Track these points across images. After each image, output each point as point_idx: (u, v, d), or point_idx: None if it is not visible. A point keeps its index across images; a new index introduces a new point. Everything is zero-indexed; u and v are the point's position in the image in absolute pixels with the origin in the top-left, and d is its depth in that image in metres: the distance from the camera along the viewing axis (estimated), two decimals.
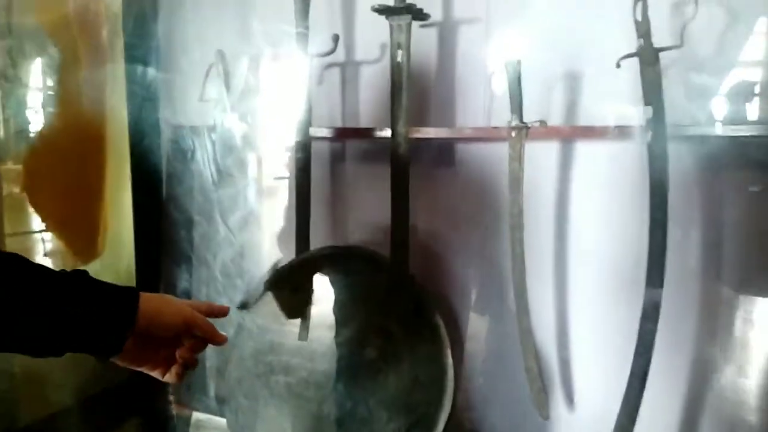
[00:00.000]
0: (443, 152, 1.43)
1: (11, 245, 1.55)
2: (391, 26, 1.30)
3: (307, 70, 1.40)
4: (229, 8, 1.56)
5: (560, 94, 1.29)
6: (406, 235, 1.34)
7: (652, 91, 1.13)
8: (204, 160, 1.56)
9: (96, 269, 1.70)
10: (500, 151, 1.27)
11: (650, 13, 1.10)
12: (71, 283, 0.70)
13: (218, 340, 0.81)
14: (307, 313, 1.42)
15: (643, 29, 1.11)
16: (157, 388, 1.69)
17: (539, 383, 1.27)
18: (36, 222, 1.59)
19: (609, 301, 1.30)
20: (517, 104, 1.21)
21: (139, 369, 0.79)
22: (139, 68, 1.60)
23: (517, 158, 1.23)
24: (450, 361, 1.29)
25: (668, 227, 1.13)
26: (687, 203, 1.19)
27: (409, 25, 1.30)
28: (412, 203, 1.34)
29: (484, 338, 1.43)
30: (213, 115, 1.52)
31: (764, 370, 1.19)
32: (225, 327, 0.83)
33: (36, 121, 1.56)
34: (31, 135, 1.55)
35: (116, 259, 1.76)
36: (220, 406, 1.49)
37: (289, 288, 1.42)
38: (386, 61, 1.34)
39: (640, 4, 1.10)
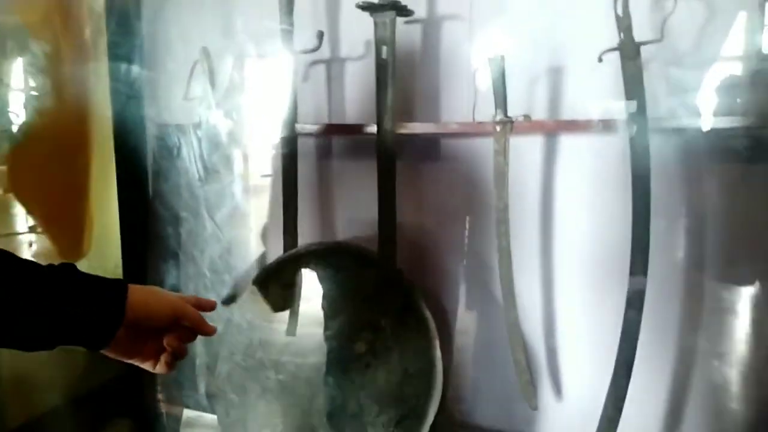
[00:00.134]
0: (429, 147, 1.44)
1: None
2: (375, 23, 1.31)
3: (292, 66, 1.40)
4: (213, 6, 1.55)
5: (544, 88, 1.30)
6: (393, 230, 1.35)
7: (633, 85, 1.14)
8: (190, 158, 1.56)
9: (83, 268, 1.69)
10: (486, 145, 1.29)
11: (631, 8, 1.12)
12: (59, 277, 0.70)
13: (207, 330, 0.82)
14: (296, 308, 1.43)
15: (624, 24, 1.13)
16: (145, 386, 1.69)
17: (527, 374, 1.29)
18: (21, 222, 1.58)
19: (595, 293, 1.31)
20: (501, 99, 1.22)
21: (130, 361, 0.79)
22: (123, 66, 1.59)
23: (501, 152, 1.24)
24: (439, 353, 1.30)
25: (651, 218, 1.15)
26: (669, 195, 1.21)
27: (394, 21, 1.30)
28: (398, 198, 1.34)
29: (472, 331, 1.44)
30: (198, 113, 1.52)
31: (747, 357, 1.22)
32: (214, 322, 0.83)
33: (19, 120, 1.55)
34: (14, 135, 1.54)
35: (103, 257, 1.75)
36: (211, 403, 1.49)
37: (278, 284, 1.42)
38: (371, 58, 1.35)
39: (620, 0, 1.12)
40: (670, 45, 1.14)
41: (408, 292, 1.34)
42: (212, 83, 1.50)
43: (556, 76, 1.29)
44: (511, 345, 1.29)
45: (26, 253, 1.59)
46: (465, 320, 1.44)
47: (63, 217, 1.66)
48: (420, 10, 1.37)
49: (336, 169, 1.54)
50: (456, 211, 1.43)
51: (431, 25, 1.39)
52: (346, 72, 1.49)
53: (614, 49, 1.15)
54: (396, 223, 1.35)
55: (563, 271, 1.36)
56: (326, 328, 1.42)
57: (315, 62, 1.49)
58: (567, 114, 1.29)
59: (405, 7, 1.31)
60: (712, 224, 1.22)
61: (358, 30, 1.42)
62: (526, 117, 1.23)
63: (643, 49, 1.13)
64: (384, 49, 1.31)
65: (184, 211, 1.60)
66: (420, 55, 1.40)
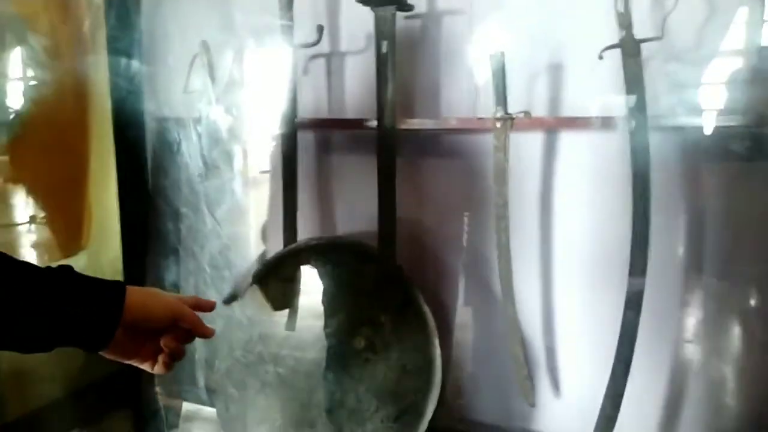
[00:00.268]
0: (429, 143, 1.43)
1: None
2: (376, 17, 1.30)
3: (291, 61, 1.40)
4: (212, 0, 1.55)
5: (544, 85, 1.30)
6: (393, 226, 1.35)
7: (633, 82, 1.14)
8: (190, 153, 1.55)
9: (82, 261, 1.70)
10: (486, 141, 1.28)
11: (632, 5, 1.12)
12: (57, 279, 0.70)
13: (205, 332, 0.82)
14: (295, 303, 1.43)
15: (625, 21, 1.12)
16: (144, 380, 1.70)
17: (525, 371, 1.29)
18: (19, 214, 1.58)
19: (594, 289, 1.32)
20: (501, 96, 1.22)
21: (128, 362, 0.79)
22: (122, 60, 1.59)
23: (501, 149, 1.24)
24: (438, 350, 1.30)
25: (651, 216, 1.15)
26: (669, 193, 1.21)
27: (394, 16, 1.30)
28: (398, 194, 1.34)
29: (471, 327, 1.44)
30: (198, 108, 1.51)
31: (746, 356, 1.22)
32: (214, 319, 0.84)
33: (17, 112, 1.54)
34: (13, 126, 1.53)
35: (102, 251, 1.75)
36: (210, 397, 1.50)
37: (277, 279, 1.42)
38: (371, 52, 1.34)
39: None
40: (671, 42, 1.14)
41: (407, 288, 1.34)
42: (212, 78, 1.49)
43: (556, 72, 1.28)
44: (509, 341, 1.30)
45: (25, 244, 1.59)
46: (464, 316, 1.44)
47: (62, 210, 1.66)
48: (420, 5, 1.36)
49: (336, 164, 1.54)
50: (456, 206, 1.43)
51: (432, 20, 1.38)
52: (346, 66, 1.48)
53: (615, 46, 1.14)
54: (396, 218, 1.35)
55: (562, 267, 1.36)
56: (325, 323, 1.42)
57: (315, 56, 1.49)
58: (567, 111, 1.29)
59: (405, 1, 1.30)
60: (711, 223, 1.22)
61: (358, 24, 1.41)
62: (527, 114, 1.23)
63: (643, 46, 1.13)
64: (384, 43, 1.30)
65: (184, 207, 1.59)
66: (420, 50, 1.40)
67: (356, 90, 1.47)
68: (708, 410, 1.27)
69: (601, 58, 1.16)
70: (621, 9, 1.12)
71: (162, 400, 1.65)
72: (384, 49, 1.30)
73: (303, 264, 1.43)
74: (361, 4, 1.29)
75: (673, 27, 1.11)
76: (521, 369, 1.29)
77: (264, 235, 1.58)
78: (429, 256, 1.45)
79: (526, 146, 1.32)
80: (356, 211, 1.50)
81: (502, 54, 1.19)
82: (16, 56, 1.52)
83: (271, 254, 1.49)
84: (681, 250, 1.24)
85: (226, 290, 1.53)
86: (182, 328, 0.80)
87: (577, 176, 1.30)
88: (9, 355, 1.45)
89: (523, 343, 1.31)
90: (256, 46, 1.48)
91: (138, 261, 1.69)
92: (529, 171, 1.34)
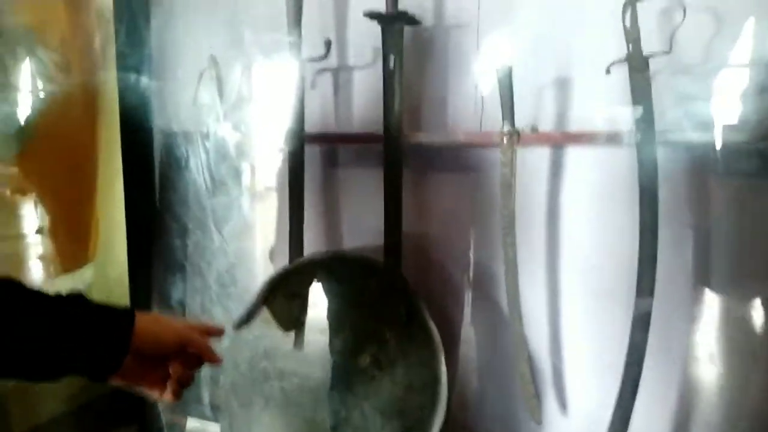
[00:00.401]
0: (436, 157, 1.43)
1: (1, 249, 1.54)
2: (383, 32, 1.31)
3: (299, 76, 1.40)
4: (222, 16, 1.56)
5: (551, 99, 1.29)
6: (398, 240, 1.34)
7: (641, 97, 1.14)
8: (198, 169, 1.56)
9: (88, 274, 1.70)
10: (492, 155, 1.28)
11: (639, 20, 1.11)
12: (67, 307, 0.70)
13: (213, 360, 0.81)
14: (302, 319, 1.42)
15: (633, 36, 1.12)
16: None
17: (532, 388, 1.28)
18: (27, 225, 1.59)
19: (601, 305, 1.30)
20: (508, 110, 1.22)
21: (137, 389, 0.79)
22: (131, 74, 1.60)
23: (508, 163, 1.23)
24: (443, 367, 1.29)
25: (659, 232, 1.14)
26: (677, 208, 1.19)
27: (402, 31, 1.31)
28: (404, 208, 1.34)
29: (477, 343, 1.43)
30: (207, 123, 1.52)
31: (755, 373, 1.20)
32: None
33: (26, 125, 1.56)
34: (23, 138, 1.55)
35: (108, 263, 1.75)
36: (215, 413, 1.49)
37: (283, 294, 1.41)
38: (378, 66, 1.35)
39: (629, 11, 1.11)
40: (679, 57, 1.13)
41: (413, 303, 1.33)
42: (220, 93, 1.50)
43: (563, 86, 1.28)
44: (515, 357, 1.28)
45: (33, 256, 1.59)
46: (470, 331, 1.43)
47: (70, 222, 1.67)
48: (428, 19, 1.36)
49: (342, 178, 1.54)
50: (462, 221, 1.42)
51: (439, 34, 1.38)
52: (353, 80, 1.48)
53: (622, 61, 1.14)
54: (402, 232, 1.34)
55: (569, 282, 1.34)
56: (331, 339, 1.41)
57: (322, 70, 1.49)
58: (574, 125, 1.28)
59: (413, 17, 1.31)
60: (720, 239, 1.20)
61: (365, 38, 1.42)
62: (534, 128, 1.22)
63: (651, 60, 1.12)
64: (392, 58, 1.30)
65: (191, 223, 1.60)
66: (428, 64, 1.40)
67: (363, 103, 1.47)
68: (718, 429, 1.25)
69: (608, 72, 1.15)
70: (628, 24, 1.12)
71: (166, 417, 1.64)
72: (391, 63, 1.31)
73: (308, 279, 1.42)
74: (368, 19, 1.29)
75: (681, 41, 1.10)
76: (528, 386, 1.27)
77: (271, 253, 1.57)
78: (435, 271, 1.45)
79: (533, 160, 1.31)
80: (362, 225, 1.50)
81: (510, 68, 1.19)
82: (26, 69, 1.54)
83: (277, 270, 1.48)
84: (689, 266, 1.22)
85: (233, 307, 1.53)
86: (191, 355, 0.79)
87: (585, 191, 1.29)
88: None
89: (530, 360, 1.30)
90: (264, 61, 1.49)
91: (144, 274, 1.69)
92: (536, 185, 1.33)
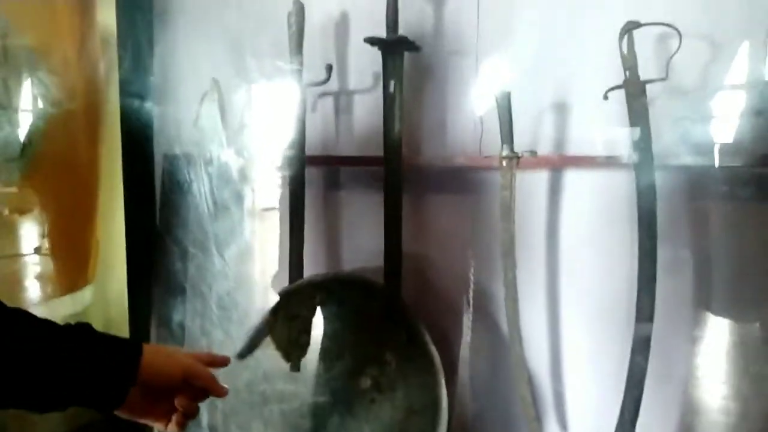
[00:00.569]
0: (435, 180, 1.44)
1: (0, 269, 1.54)
2: (383, 58, 1.32)
3: (301, 100, 1.42)
4: (224, 42, 1.58)
5: (550, 123, 1.31)
6: (398, 263, 1.35)
7: (639, 122, 1.15)
8: (200, 194, 1.56)
9: (87, 295, 1.70)
10: (492, 179, 1.29)
11: (636, 47, 1.13)
12: (74, 338, 0.70)
13: (218, 392, 0.81)
14: (302, 342, 1.42)
15: (630, 62, 1.14)
16: None
17: (533, 411, 1.27)
18: (28, 246, 1.59)
19: (601, 327, 1.31)
20: (507, 134, 1.23)
21: (141, 420, 0.78)
22: (134, 98, 1.62)
23: (508, 187, 1.24)
24: (444, 390, 1.28)
25: (658, 256, 1.15)
26: (676, 232, 1.21)
27: (401, 56, 1.32)
28: (404, 230, 1.35)
29: (477, 365, 1.43)
30: (210, 148, 1.53)
31: (755, 398, 1.20)
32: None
33: (29, 145, 1.56)
34: (24, 160, 1.55)
35: (107, 285, 1.75)
36: None
37: (283, 316, 1.41)
38: (379, 90, 1.37)
39: (626, 38, 1.13)
40: (676, 82, 1.15)
41: (413, 325, 1.33)
42: (223, 117, 1.52)
43: (561, 111, 1.30)
44: (516, 380, 1.28)
45: (33, 276, 1.59)
46: (470, 354, 1.43)
47: (70, 243, 1.67)
48: (428, 45, 1.38)
49: (343, 200, 1.55)
50: (462, 243, 1.42)
51: (438, 60, 1.40)
52: (354, 104, 1.50)
53: (619, 87, 1.16)
54: (402, 254, 1.35)
55: (569, 304, 1.35)
56: (331, 361, 1.41)
57: (323, 94, 1.51)
58: (573, 149, 1.30)
59: (413, 43, 1.33)
60: (719, 262, 1.21)
61: (366, 63, 1.44)
62: (532, 153, 1.24)
63: (648, 86, 1.14)
64: (392, 83, 1.32)
65: (192, 246, 1.60)
66: (427, 88, 1.42)
67: (364, 127, 1.48)
68: None
69: (606, 98, 1.17)
70: (625, 51, 1.14)
71: None
72: (391, 88, 1.32)
73: (308, 300, 1.42)
74: (369, 45, 1.31)
75: (677, 67, 1.12)
76: (529, 408, 1.27)
77: (273, 278, 1.56)
78: (435, 293, 1.45)
79: (533, 184, 1.33)
80: (362, 247, 1.50)
81: (508, 94, 1.21)
82: (29, 91, 1.55)
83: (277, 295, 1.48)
84: (689, 288, 1.23)
85: (234, 331, 1.52)
86: (196, 387, 0.79)
87: (584, 214, 1.31)
88: None
89: (531, 383, 1.30)
90: (266, 86, 1.50)
91: (143, 296, 1.69)
92: (535, 208, 1.34)
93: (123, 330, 1.69)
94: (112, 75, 1.66)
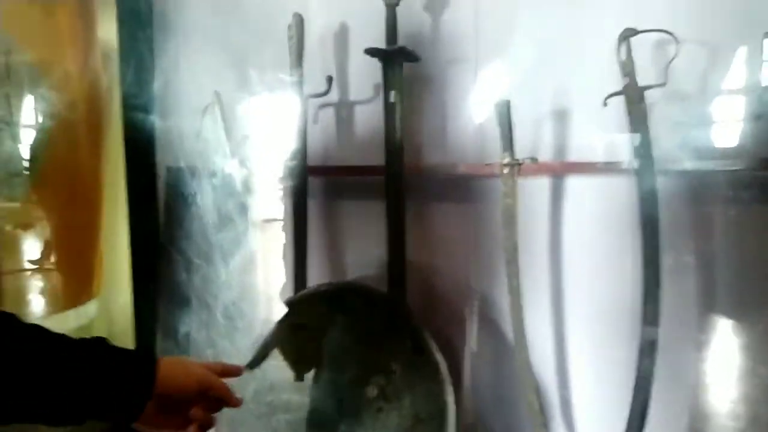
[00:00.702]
0: (437, 188, 1.45)
1: (5, 284, 1.54)
2: (383, 68, 1.34)
3: (302, 112, 1.43)
4: (226, 56, 1.59)
5: (550, 130, 1.32)
6: (402, 271, 1.35)
7: (638, 128, 1.16)
8: (205, 205, 1.57)
9: (92, 309, 1.70)
10: (494, 186, 1.30)
11: (634, 53, 1.14)
12: (90, 352, 0.71)
13: (233, 403, 0.83)
14: (307, 351, 1.42)
15: (628, 69, 1.15)
16: None
17: (540, 417, 1.27)
18: (32, 261, 1.59)
19: (607, 333, 1.31)
20: (508, 142, 1.24)
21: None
22: (137, 113, 1.63)
23: (510, 194, 1.25)
24: (450, 398, 1.28)
25: (662, 260, 1.15)
26: (679, 236, 1.21)
27: (401, 66, 1.33)
28: (408, 239, 1.35)
29: (483, 373, 1.43)
30: (213, 160, 1.54)
31: (763, 400, 1.20)
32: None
33: (32, 161, 1.57)
34: (27, 175, 1.56)
35: (113, 299, 1.76)
36: None
37: (288, 326, 1.42)
38: (379, 100, 1.38)
39: (624, 45, 1.14)
40: (675, 87, 1.16)
41: (418, 334, 1.33)
42: (226, 129, 1.53)
43: (562, 118, 1.31)
44: (522, 386, 1.28)
45: (37, 291, 1.59)
46: (476, 362, 1.43)
47: (74, 258, 1.67)
48: (427, 55, 1.39)
49: (345, 210, 1.55)
50: (465, 251, 1.43)
51: (438, 69, 1.41)
52: (354, 114, 1.51)
53: (618, 93, 1.17)
54: (405, 263, 1.35)
55: (574, 310, 1.35)
56: (337, 371, 1.41)
57: (324, 105, 1.52)
58: (574, 156, 1.30)
59: (412, 53, 1.34)
60: (723, 265, 1.21)
61: (366, 74, 1.45)
62: (533, 159, 1.24)
63: (647, 91, 1.15)
64: (392, 93, 1.33)
65: (197, 257, 1.60)
66: (427, 97, 1.43)
67: (365, 137, 1.49)
68: None
69: (605, 104, 1.18)
70: (624, 57, 1.15)
71: None
72: (392, 98, 1.33)
73: (313, 310, 1.43)
74: (369, 56, 1.32)
75: (676, 72, 1.13)
76: (536, 416, 1.27)
77: (278, 290, 1.57)
78: (439, 301, 1.45)
79: (534, 191, 1.33)
80: (366, 256, 1.51)
81: (508, 102, 1.22)
82: (32, 107, 1.56)
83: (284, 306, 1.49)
84: (693, 293, 1.23)
85: (240, 341, 1.53)
86: (211, 398, 0.80)
87: (586, 220, 1.31)
88: None
89: (537, 390, 1.30)
90: (267, 98, 1.51)
91: (148, 309, 1.69)
92: (537, 215, 1.35)
93: (128, 343, 1.69)
94: (114, 89, 1.67)
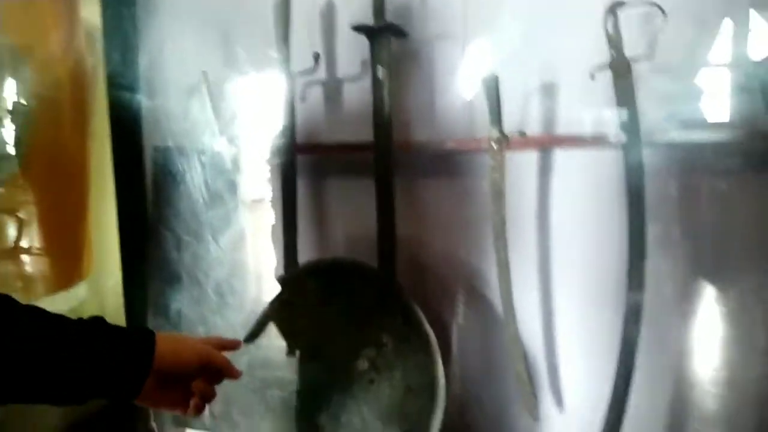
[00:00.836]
0: (426, 164, 1.46)
1: None
2: (371, 44, 1.33)
3: (289, 89, 1.42)
4: (212, 33, 1.58)
5: (538, 104, 1.32)
6: (393, 247, 1.36)
7: (625, 100, 1.17)
8: (194, 183, 1.57)
9: (82, 291, 1.70)
10: (483, 161, 1.31)
11: (621, 25, 1.15)
12: (88, 330, 0.71)
13: (233, 374, 0.84)
14: (299, 327, 1.44)
15: (615, 41, 1.16)
16: (142, 410, 1.68)
17: (528, 386, 1.30)
18: (17, 243, 1.58)
19: (594, 303, 1.33)
20: (496, 117, 1.25)
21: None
22: (122, 93, 1.61)
23: (498, 168, 1.26)
24: (441, 369, 1.30)
25: (647, 229, 1.17)
26: (664, 207, 1.23)
27: (389, 42, 1.33)
28: (397, 215, 1.36)
29: (473, 344, 1.45)
30: (201, 138, 1.54)
31: (748, 368, 1.23)
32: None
33: (17, 144, 1.56)
34: (12, 159, 1.55)
35: (102, 280, 1.75)
36: (213, 424, 1.49)
37: (280, 303, 1.43)
38: (367, 77, 1.37)
39: (611, 18, 1.15)
40: (662, 59, 1.17)
41: (408, 308, 1.35)
42: (213, 108, 1.52)
43: (549, 92, 1.31)
44: (511, 357, 1.31)
45: (25, 275, 1.59)
46: (465, 333, 1.45)
47: (62, 240, 1.67)
48: (414, 30, 1.39)
49: (335, 187, 1.56)
50: (455, 225, 1.45)
51: (426, 45, 1.41)
52: (342, 92, 1.51)
53: (606, 66, 1.18)
54: (395, 238, 1.36)
55: (562, 282, 1.37)
56: (328, 345, 1.43)
57: (312, 83, 1.51)
58: (562, 129, 1.31)
59: (400, 28, 1.34)
60: (707, 236, 1.24)
61: (354, 51, 1.45)
62: (522, 133, 1.25)
63: (634, 64, 1.16)
64: (380, 69, 1.33)
65: (187, 235, 1.60)
66: (415, 73, 1.43)
67: (353, 114, 1.49)
68: (711, 420, 1.28)
69: (593, 77, 1.19)
70: (611, 29, 1.15)
71: (167, 429, 1.64)
72: (380, 74, 1.33)
73: (304, 287, 1.44)
74: (356, 32, 1.32)
75: (663, 44, 1.14)
76: (525, 384, 1.30)
77: (269, 267, 1.58)
78: (429, 275, 1.47)
79: (522, 165, 1.34)
80: (356, 233, 1.52)
81: (496, 77, 1.22)
82: (13, 88, 1.54)
83: (275, 282, 1.50)
84: (679, 262, 1.26)
85: (233, 317, 1.54)
86: (211, 371, 0.81)
87: (574, 193, 1.33)
88: None
89: (526, 359, 1.33)
90: (254, 76, 1.51)
91: (139, 289, 1.69)
92: (525, 188, 1.36)
93: (120, 323, 1.69)
94: (99, 69, 1.66)
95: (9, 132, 1.53)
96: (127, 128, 1.66)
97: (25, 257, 1.59)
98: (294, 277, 1.43)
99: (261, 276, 1.60)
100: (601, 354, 1.28)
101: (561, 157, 1.34)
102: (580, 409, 1.38)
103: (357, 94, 1.48)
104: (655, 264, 1.20)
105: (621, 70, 1.16)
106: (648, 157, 1.17)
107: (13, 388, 0.67)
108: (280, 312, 1.42)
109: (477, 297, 1.44)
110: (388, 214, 1.36)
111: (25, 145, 1.56)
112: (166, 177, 1.63)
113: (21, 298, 0.69)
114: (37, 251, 1.60)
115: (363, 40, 1.34)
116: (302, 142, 1.48)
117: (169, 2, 1.65)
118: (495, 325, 1.40)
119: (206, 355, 0.80)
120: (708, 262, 1.25)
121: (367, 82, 1.37)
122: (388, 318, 1.37)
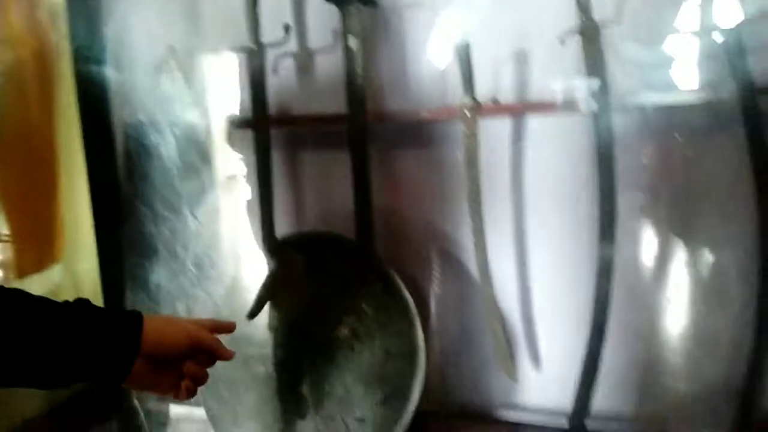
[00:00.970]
0: (400, 134, 1.46)
1: None
2: (341, 14, 1.33)
3: (260, 62, 1.41)
4: (179, 6, 1.55)
5: (510, 71, 1.34)
6: (369, 218, 1.38)
7: (595, 65, 1.19)
8: (167, 156, 1.55)
9: (57, 274, 1.68)
10: (456, 129, 1.32)
11: None
12: (74, 313, 0.70)
13: (225, 356, 0.81)
14: (278, 300, 1.45)
15: (584, 6, 1.17)
16: (127, 389, 1.68)
17: (505, 348, 1.34)
18: None
19: (568, 266, 1.37)
20: (468, 84, 1.26)
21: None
22: (88, 67, 1.58)
23: (471, 136, 1.27)
24: (420, 333, 1.33)
25: (619, 192, 1.20)
26: (635, 167, 1.26)
27: (359, 11, 1.33)
28: (373, 185, 1.37)
29: (451, 310, 1.48)
30: (172, 111, 1.52)
31: (718, 320, 1.28)
32: None
33: None
34: None
35: (77, 261, 1.73)
36: (198, 397, 1.50)
37: (271, 279, 1.44)
38: (339, 48, 1.37)
39: None
40: (630, 24, 1.18)
41: (387, 277, 1.37)
42: (183, 81, 1.50)
43: (520, 59, 1.33)
44: (487, 320, 1.34)
45: None
46: (444, 300, 1.48)
47: (33, 224, 1.64)
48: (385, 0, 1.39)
49: (310, 160, 1.56)
50: (430, 194, 1.46)
51: (396, 14, 1.41)
52: (315, 63, 1.50)
53: (575, 32, 1.19)
54: (372, 209, 1.38)
55: (536, 246, 1.40)
56: (309, 315, 1.44)
57: (283, 54, 1.50)
58: (534, 96, 1.33)
59: None
60: (677, 194, 1.28)
61: (324, 21, 1.44)
62: (495, 100, 1.27)
63: (603, 29, 1.17)
64: (351, 39, 1.33)
65: (163, 209, 1.59)
66: (387, 43, 1.43)
67: (326, 85, 1.48)
68: (684, 373, 1.33)
69: (563, 43, 1.20)
70: None
71: (150, 405, 1.64)
72: (351, 44, 1.33)
73: (282, 260, 1.45)
74: (326, 2, 1.31)
75: (632, 9, 1.15)
76: (502, 346, 1.33)
77: (244, 233, 1.58)
78: (406, 244, 1.49)
79: (496, 132, 1.36)
80: (333, 205, 1.52)
81: (467, 43, 1.23)
82: None
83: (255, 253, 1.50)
84: (650, 221, 1.30)
85: (215, 290, 1.53)
86: (202, 353, 0.79)
87: (547, 158, 1.35)
88: None
89: (503, 321, 1.36)
90: (224, 48, 1.49)
91: (116, 268, 1.68)
92: (498, 155, 1.38)
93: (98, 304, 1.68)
94: (64, 45, 1.62)
95: None
96: (96, 104, 1.62)
97: None
98: (272, 250, 1.44)
99: (238, 249, 1.60)
100: (576, 312, 1.32)
101: (534, 123, 1.35)
102: (556, 367, 1.42)
103: (329, 65, 1.47)
104: (628, 224, 1.24)
105: (590, 35, 1.18)
106: (618, 120, 1.19)
107: None
108: (261, 286, 1.43)
109: (454, 263, 1.46)
110: (364, 186, 1.37)
111: None
112: (139, 151, 1.61)
113: None
114: (7, 236, 1.57)
115: (333, 10, 1.33)
116: (275, 114, 1.47)
117: None
118: (472, 290, 1.43)
119: (196, 337, 0.77)
120: (678, 219, 1.28)
121: (339, 53, 1.37)
122: (368, 287, 1.39)
